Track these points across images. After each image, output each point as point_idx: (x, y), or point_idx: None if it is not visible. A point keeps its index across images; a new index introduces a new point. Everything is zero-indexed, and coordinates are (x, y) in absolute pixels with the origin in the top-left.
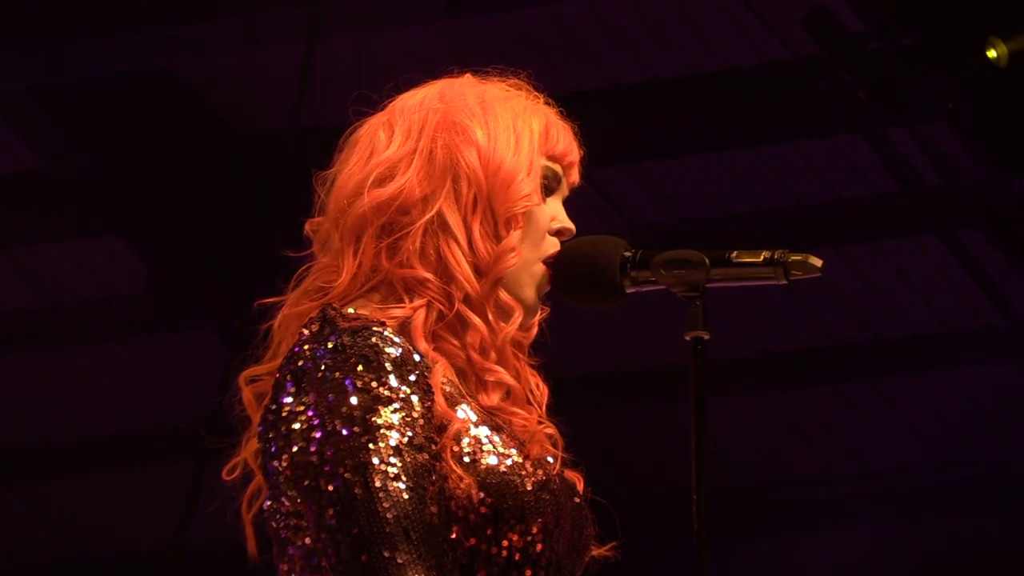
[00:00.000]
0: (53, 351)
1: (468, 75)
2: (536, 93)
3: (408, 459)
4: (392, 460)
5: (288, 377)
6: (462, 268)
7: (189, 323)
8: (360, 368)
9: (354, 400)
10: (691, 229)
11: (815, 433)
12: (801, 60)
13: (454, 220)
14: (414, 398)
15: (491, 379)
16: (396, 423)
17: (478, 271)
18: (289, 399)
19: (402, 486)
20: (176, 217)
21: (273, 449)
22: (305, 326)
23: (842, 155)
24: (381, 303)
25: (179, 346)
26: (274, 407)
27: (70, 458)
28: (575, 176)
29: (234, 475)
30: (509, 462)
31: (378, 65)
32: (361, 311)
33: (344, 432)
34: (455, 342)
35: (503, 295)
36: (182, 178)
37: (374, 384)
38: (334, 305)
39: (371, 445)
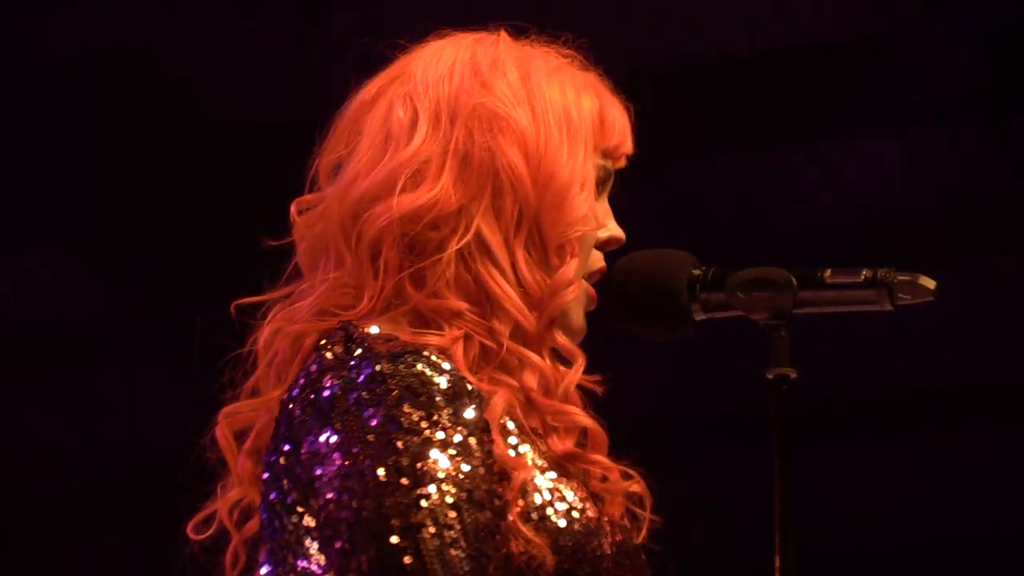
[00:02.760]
0: None
1: (503, 34)
2: (586, 62)
3: (468, 519)
4: (450, 520)
5: (307, 410)
6: (512, 300)
7: (152, 349)
8: (406, 403)
9: (400, 443)
10: (768, 239)
11: None
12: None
13: (496, 241)
14: (472, 440)
15: (563, 422)
16: (453, 473)
17: (530, 305)
18: (311, 438)
19: (462, 554)
20: (136, 225)
21: (289, 500)
22: (323, 348)
23: (957, 149)
24: (410, 327)
25: (139, 376)
26: (287, 448)
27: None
28: (626, 160)
29: (205, 534)
30: (584, 519)
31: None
32: (399, 334)
33: (389, 483)
34: (510, 380)
35: (560, 339)
36: (142, 176)
37: (423, 424)
38: (355, 323)
39: (423, 502)
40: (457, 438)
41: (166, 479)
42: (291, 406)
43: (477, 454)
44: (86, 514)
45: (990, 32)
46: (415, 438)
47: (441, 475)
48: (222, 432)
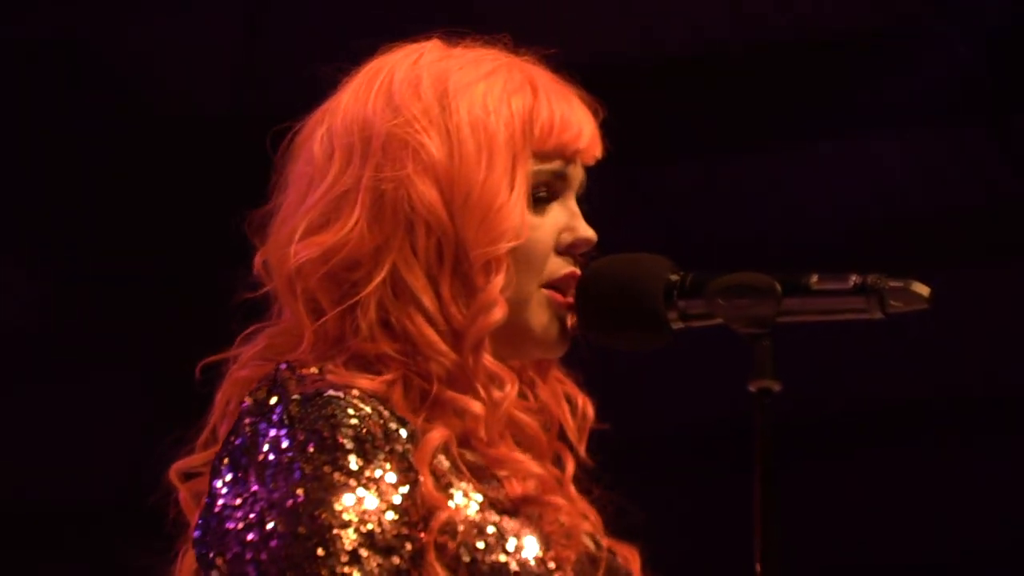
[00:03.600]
0: None
1: (430, 45)
2: (523, 54)
3: (372, 565)
4: (347, 569)
5: (225, 460)
6: (430, 342)
7: (101, 367)
8: (311, 448)
9: (300, 492)
10: (754, 241)
11: None
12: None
13: (414, 279)
14: (389, 478)
15: (506, 472)
16: (354, 519)
17: (457, 336)
18: (225, 490)
19: None
20: (83, 230)
21: (210, 555)
22: (251, 392)
23: (957, 150)
24: (348, 370)
25: (87, 398)
26: (207, 501)
27: None
28: (591, 158)
29: None
30: (527, 559)
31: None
32: (327, 374)
33: (286, 534)
34: (449, 419)
35: (488, 363)
36: (92, 178)
37: (327, 468)
38: (291, 363)
39: (319, 550)
40: (365, 479)
41: (104, 497)
42: (217, 455)
43: (391, 494)
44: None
45: (990, 32)
46: (316, 485)
47: (342, 522)
48: (183, 494)
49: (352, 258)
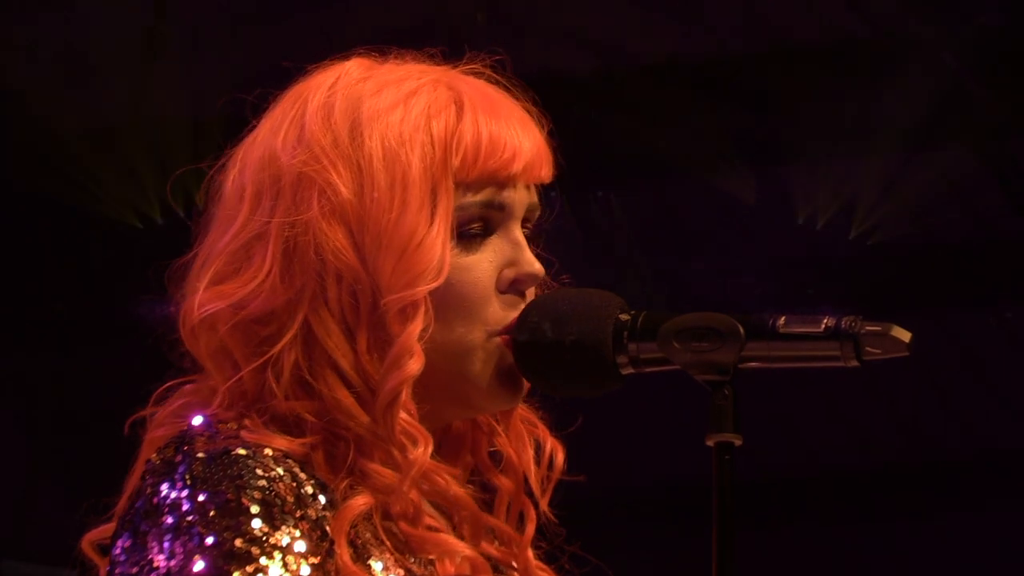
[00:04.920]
0: None
1: (356, 60)
2: (450, 66)
3: None
4: None
5: (125, 526)
6: (342, 405)
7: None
8: (212, 512)
9: (200, 564)
10: (718, 272)
11: None
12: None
13: (326, 335)
14: (298, 547)
15: (432, 553)
16: None
17: (375, 395)
18: (122, 557)
19: None
20: None
21: None
22: (159, 449)
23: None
24: (269, 429)
25: None
26: (108, 569)
27: None
28: (534, 179)
29: None
30: None
31: None
32: (242, 431)
33: None
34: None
35: (404, 421)
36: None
37: (228, 534)
38: (209, 417)
39: None
40: (268, 547)
41: None
42: (119, 516)
43: (293, 568)
44: None
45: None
46: (216, 554)
47: None
48: (103, 572)
49: (263, 311)
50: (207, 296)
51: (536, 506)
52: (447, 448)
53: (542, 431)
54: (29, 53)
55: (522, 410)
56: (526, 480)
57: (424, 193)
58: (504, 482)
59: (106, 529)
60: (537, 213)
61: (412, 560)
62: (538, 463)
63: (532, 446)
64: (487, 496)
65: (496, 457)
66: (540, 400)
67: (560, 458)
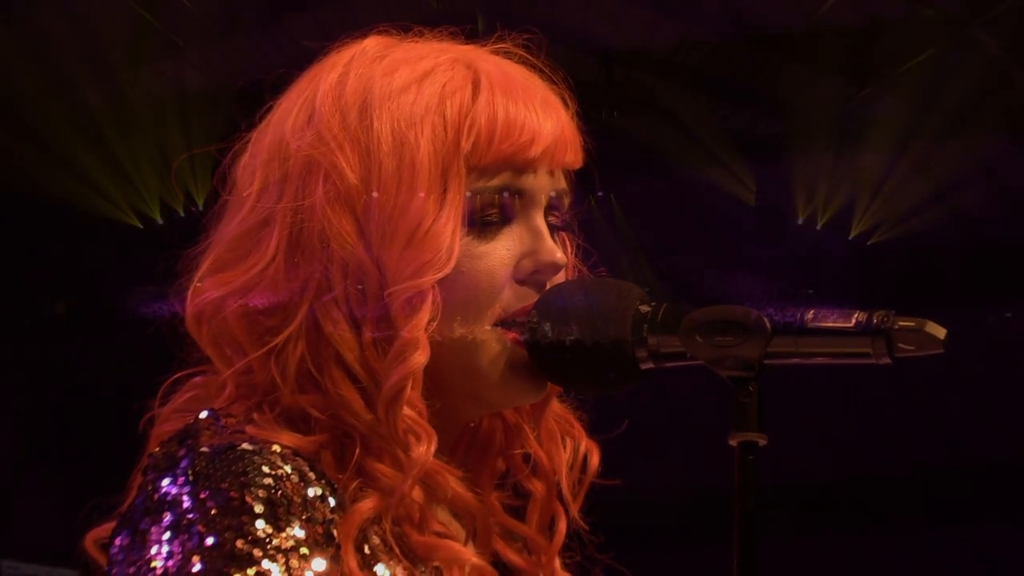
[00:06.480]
0: None
1: (373, 38)
2: (472, 43)
3: None
4: None
5: (124, 523)
6: (345, 401)
7: None
8: (214, 510)
9: (198, 565)
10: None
11: None
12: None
13: (331, 327)
14: (302, 550)
15: (439, 560)
16: None
17: (374, 394)
18: (120, 556)
19: None
20: None
21: None
22: (162, 443)
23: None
24: (278, 424)
25: None
26: (106, 567)
27: None
28: (558, 165)
29: None
30: None
31: None
32: (248, 426)
33: None
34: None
35: (408, 417)
36: None
37: (229, 534)
38: (217, 410)
39: None
40: (271, 549)
41: None
42: (119, 513)
43: (297, 572)
44: None
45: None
46: (216, 554)
47: None
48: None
49: (266, 300)
50: (211, 282)
51: (567, 512)
52: (475, 450)
53: (578, 431)
54: (28, 51)
55: (558, 408)
56: (559, 484)
57: (433, 177)
58: (536, 486)
59: (109, 527)
60: (567, 200)
61: (421, 567)
62: (571, 466)
63: (567, 447)
64: (519, 502)
65: (530, 459)
66: (577, 400)
67: (595, 460)
